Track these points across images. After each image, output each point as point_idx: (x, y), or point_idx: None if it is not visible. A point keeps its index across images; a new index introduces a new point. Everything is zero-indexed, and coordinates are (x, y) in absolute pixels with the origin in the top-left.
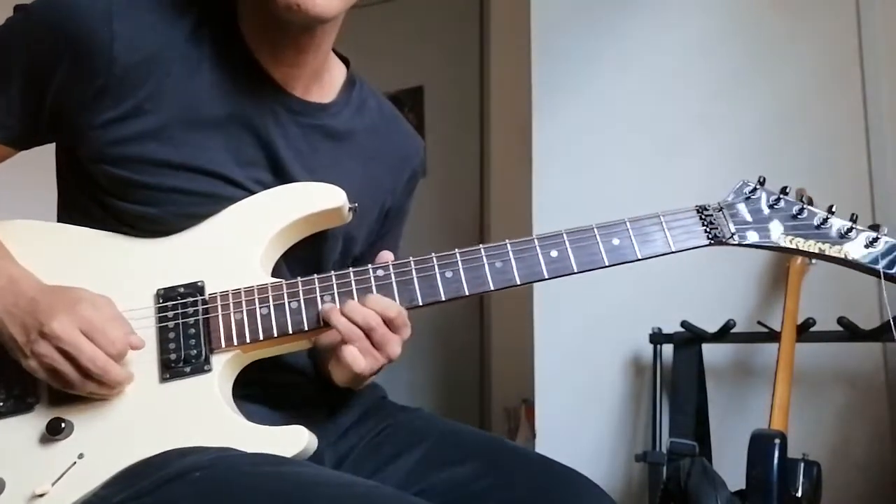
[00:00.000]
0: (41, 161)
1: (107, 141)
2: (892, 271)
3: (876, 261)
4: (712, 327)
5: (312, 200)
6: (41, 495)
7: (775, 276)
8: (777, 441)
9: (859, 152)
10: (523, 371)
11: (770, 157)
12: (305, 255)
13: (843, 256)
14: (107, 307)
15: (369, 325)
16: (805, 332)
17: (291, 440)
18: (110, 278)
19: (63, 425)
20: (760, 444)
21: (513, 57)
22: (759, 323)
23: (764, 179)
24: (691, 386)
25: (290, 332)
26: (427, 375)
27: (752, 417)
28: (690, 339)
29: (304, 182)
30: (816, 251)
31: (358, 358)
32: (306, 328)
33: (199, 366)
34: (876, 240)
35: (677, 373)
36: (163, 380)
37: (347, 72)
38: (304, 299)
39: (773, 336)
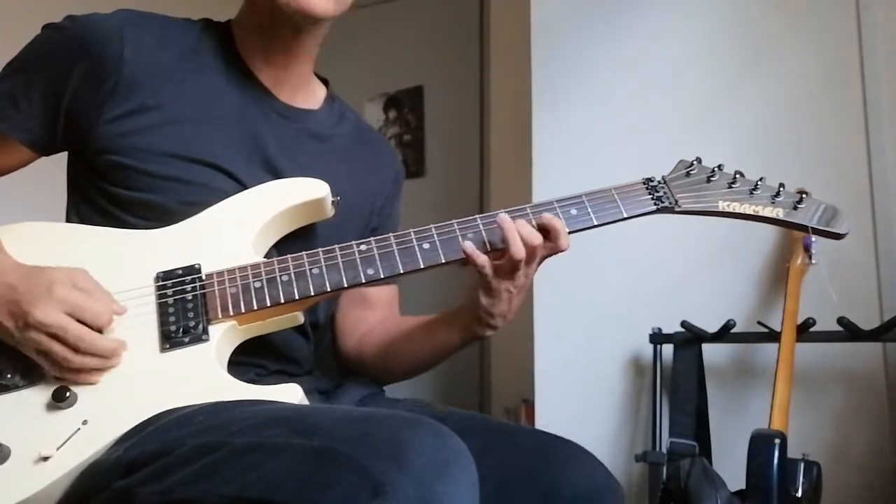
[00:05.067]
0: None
1: (116, 133)
2: (819, 226)
3: (804, 218)
4: (712, 327)
5: (298, 192)
6: (46, 458)
7: (775, 276)
8: (777, 441)
9: (859, 152)
10: (523, 371)
11: (770, 156)
12: (299, 249)
13: (775, 216)
14: (83, 281)
15: (533, 244)
16: (805, 332)
17: (286, 396)
18: (113, 267)
19: (68, 394)
20: (760, 444)
21: (513, 56)
22: (759, 323)
23: (700, 159)
24: (691, 386)
25: (283, 301)
26: (427, 375)
27: (752, 417)
28: (690, 339)
29: (292, 177)
30: (752, 213)
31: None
32: (297, 297)
33: (198, 335)
34: (802, 200)
35: (677, 373)
36: (163, 350)
37: (328, 90)
38: (295, 272)
39: (773, 336)
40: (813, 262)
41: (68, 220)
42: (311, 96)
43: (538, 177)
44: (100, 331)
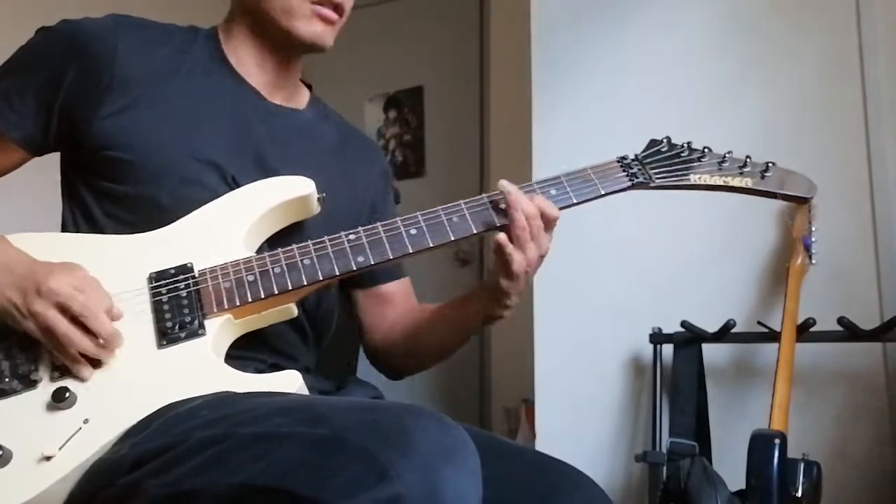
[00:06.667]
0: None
1: (111, 128)
2: (785, 192)
3: (771, 185)
4: (712, 327)
5: (284, 190)
6: (48, 458)
7: (775, 276)
8: (777, 441)
9: (859, 152)
10: (523, 371)
11: (770, 156)
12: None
13: (744, 185)
14: (95, 279)
15: (531, 213)
16: (805, 332)
17: (285, 384)
18: (106, 271)
19: (67, 394)
20: (760, 444)
21: (513, 57)
22: (759, 323)
23: (669, 137)
24: (691, 386)
25: (276, 292)
26: (427, 375)
27: (752, 417)
28: (690, 339)
29: (283, 172)
30: (722, 183)
31: (515, 252)
32: (290, 287)
33: (194, 330)
34: (768, 169)
35: (677, 373)
36: (160, 346)
37: (311, 92)
38: (286, 264)
39: (773, 336)
40: (813, 262)
41: (64, 226)
42: (296, 99)
43: (538, 176)
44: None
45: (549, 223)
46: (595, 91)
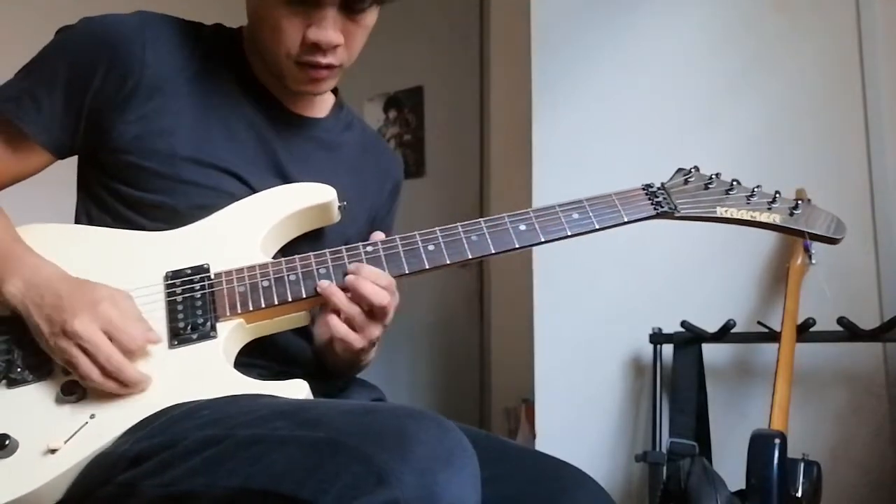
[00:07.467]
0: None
1: (135, 134)
2: (815, 231)
3: (799, 223)
4: (712, 327)
5: (306, 196)
6: (54, 451)
7: (775, 276)
8: (777, 441)
9: (859, 152)
10: (523, 371)
11: (770, 156)
12: (304, 252)
13: (772, 221)
14: (127, 305)
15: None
16: (805, 332)
17: (293, 392)
18: (123, 266)
19: (77, 388)
20: (760, 444)
21: (513, 57)
22: (759, 323)
23: (698, 167)
24: (691, 386)
25: (290, 299)
26: (427, 375)
27: (752, 417)
28: (690, 339)
29: (301, 182)
30: (749, 218)
31: (348, 332)
32: (304, 296)
33: (206, 332)
34: (797, 206)
35: (677, 373)
36: (171, 346)
37: (336, 97)
38: (302, 272)
39: (773, 336)
40: (813, 262)
41: (77, 223)
42: (319, 105)
43: (538, 176)
44: (129, 356)
45: (375, 315)
46: (595, 91)
